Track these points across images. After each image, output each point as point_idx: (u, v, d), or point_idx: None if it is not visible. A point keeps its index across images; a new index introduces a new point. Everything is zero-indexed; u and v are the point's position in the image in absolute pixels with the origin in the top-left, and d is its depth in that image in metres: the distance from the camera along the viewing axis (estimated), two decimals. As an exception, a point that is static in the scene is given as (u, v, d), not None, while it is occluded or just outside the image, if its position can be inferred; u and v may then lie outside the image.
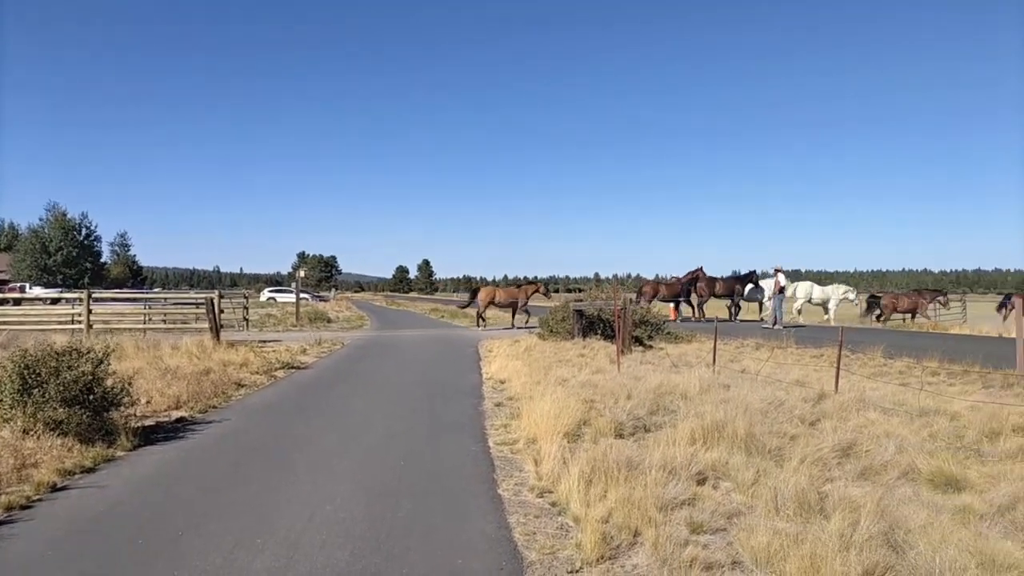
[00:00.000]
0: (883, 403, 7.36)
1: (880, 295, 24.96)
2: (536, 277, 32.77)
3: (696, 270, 24.93)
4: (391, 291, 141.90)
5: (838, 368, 8.33)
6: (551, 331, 16.82)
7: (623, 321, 13.53)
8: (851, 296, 24.96)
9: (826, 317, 24.51)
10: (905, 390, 8.20)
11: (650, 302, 24.07)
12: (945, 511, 4.21)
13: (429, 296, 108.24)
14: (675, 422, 6.46)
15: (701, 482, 4.90)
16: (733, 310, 24.99)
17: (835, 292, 24.47)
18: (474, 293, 23.92)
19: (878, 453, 5.35)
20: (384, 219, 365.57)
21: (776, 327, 20.04)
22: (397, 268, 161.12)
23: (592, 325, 16.66)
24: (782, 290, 21.14)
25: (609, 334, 15.26)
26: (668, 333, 16.66)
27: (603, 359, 12.10)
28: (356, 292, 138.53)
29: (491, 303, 23.05)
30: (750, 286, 24.61)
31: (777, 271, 21.41)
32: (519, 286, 23.72)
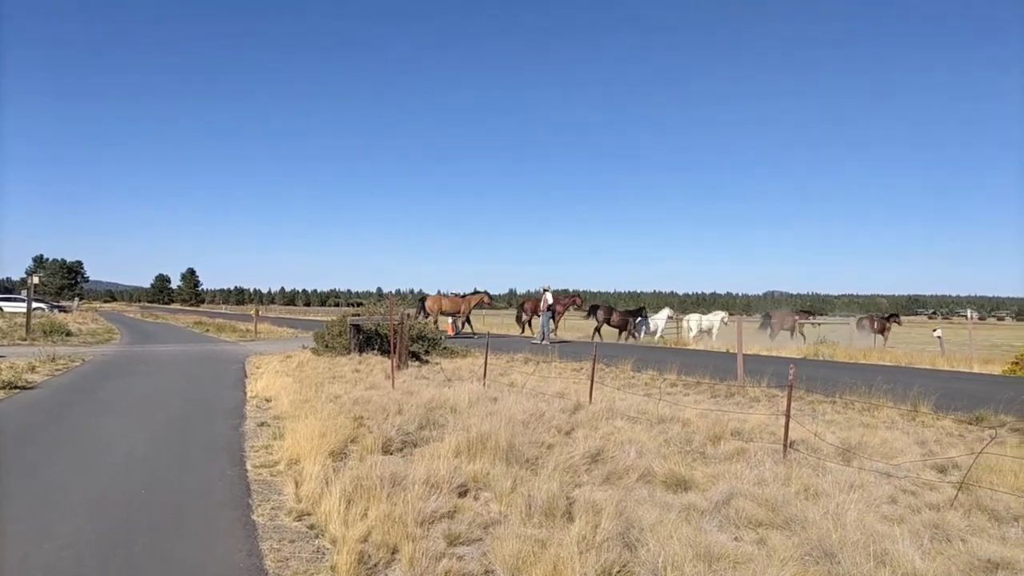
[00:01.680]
0: (629, 412, 8.08)
1: (772, 314, 28.96)
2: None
3: (574, 296, 27.40)
4: (149, 302, 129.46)
5: (592, 381, 9.01)
6: (326, 346, 16.33)
7: (400, 336, 13.53)
8: (726, 321, 27.95)
9: (713, 340, 26.66)
10: (648, 400, 9.08)
11: (557, 318, 25.74)
12: (674, 509, 4.69)
13: (194, 308, 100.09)
14: (443, 436, 6.56)
15: (463, 494, 5.01)
16: (627, 339, 26.53)
17: (715, 319, 27.62)
18: (423, 302, 25.41)
19: (621, 458, 5.85)
20: (143, 223, 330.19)
21: (544, 342, 21.25)
22: (157, 277, 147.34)
23: (370, 340, 16.46)
24: (549, 308, 22.47)
25: (387, 349, 15.16)
26: (445, 348, 16.94)
27: (379, 374, 11.98)
28: (106, 302, 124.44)
29: (439, 311, 24.65)
30: (640, 319, 26.73)
31: (545, 290, 22.74)
32: (464, 296, 25.65)
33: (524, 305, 27.38)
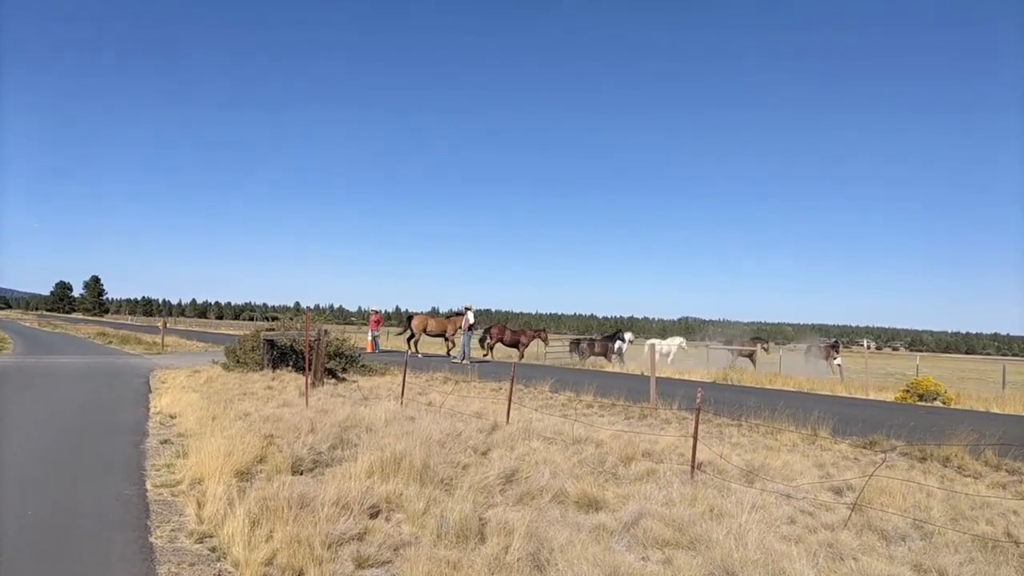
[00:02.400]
0: (545, 433, 8.16)
1: (732, 340, 30.74)
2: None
3: (539, 330, 29.24)
4: (48, 310, 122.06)
5: (510, 401, 9.07)
6: (237, 361, 15.78)
7: (316, 353, 13.24)
8: (684, 346, 30.05)
9: (668, 365, 27.95)
10: (564, 421, 9.19)
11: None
12: (585, 529, 4.76)
13: (98, 318, 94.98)
14: (357, 456, 6.43)
15: (374, 515, 4.93)
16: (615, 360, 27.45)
17: (673, 343, 29.64)
18: (409, 320, 25.81)
19: (536, 479, 5.89)
20: (45, 227, 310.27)
21: (464, 362, 21.21)
22: (57, 284, 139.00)
23: (284, 356, 16.00)
24: (471, 327, 22.47)
25: (302, 366, 14.79)
26: (363, 366, 16.67)
27: (292, 392, 11.67)
28: (0, 309, 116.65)
29: (424, 331, 25.06)
30: (618, 343, 27.72)
31: (467, 309, 22.74)
32: (449, 317, 25.73)
33: (491, 329, 27.89)
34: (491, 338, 27.16)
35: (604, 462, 6.85)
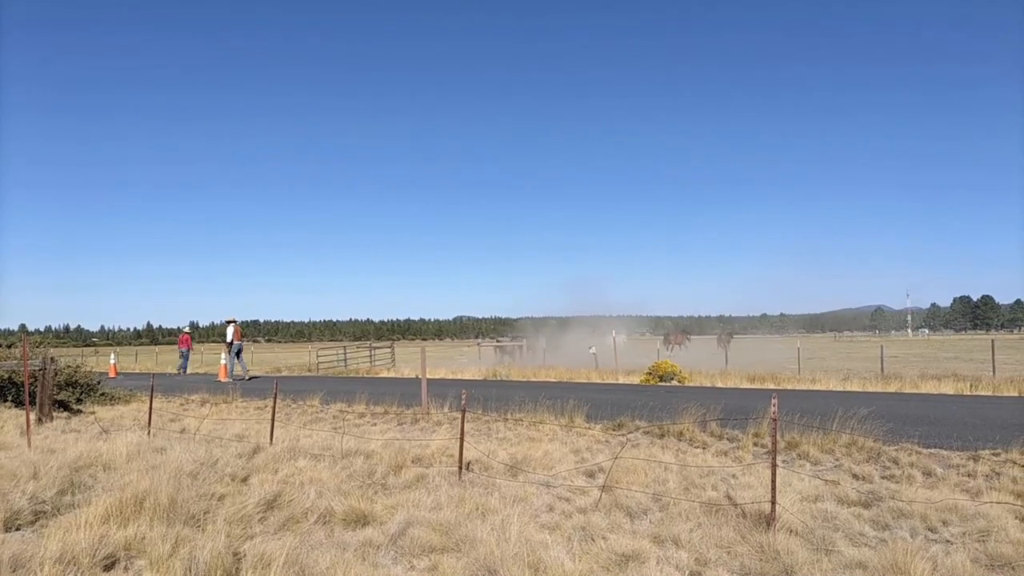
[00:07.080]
0: (313, 450, 7.85)
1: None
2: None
3: None
4: None
5: (273, 419, 8.60)
6: (-63, 403, 13.28)
7: (41, 384, 11.55)
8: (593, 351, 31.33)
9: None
10: (335, 435, 8.93)
11: None
12: (351, 548, 4.64)
13: None
14: (91, 499, 5.71)
15: (109, 566, 4.39)
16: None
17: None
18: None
19: (300, 501, 5.64)
20: None
21: (227, 380, 19.81)
22: None
23: (2, 390, 13.78)
24: (233, 342, 21.00)
25: (24, 400, 12.81)
26: (103, 394, 14.85)
27: (12, 432, 10.07)
28: None
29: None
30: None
31: (229, 323, 21.21)
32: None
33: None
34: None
35: (374, 473, 6.76)
